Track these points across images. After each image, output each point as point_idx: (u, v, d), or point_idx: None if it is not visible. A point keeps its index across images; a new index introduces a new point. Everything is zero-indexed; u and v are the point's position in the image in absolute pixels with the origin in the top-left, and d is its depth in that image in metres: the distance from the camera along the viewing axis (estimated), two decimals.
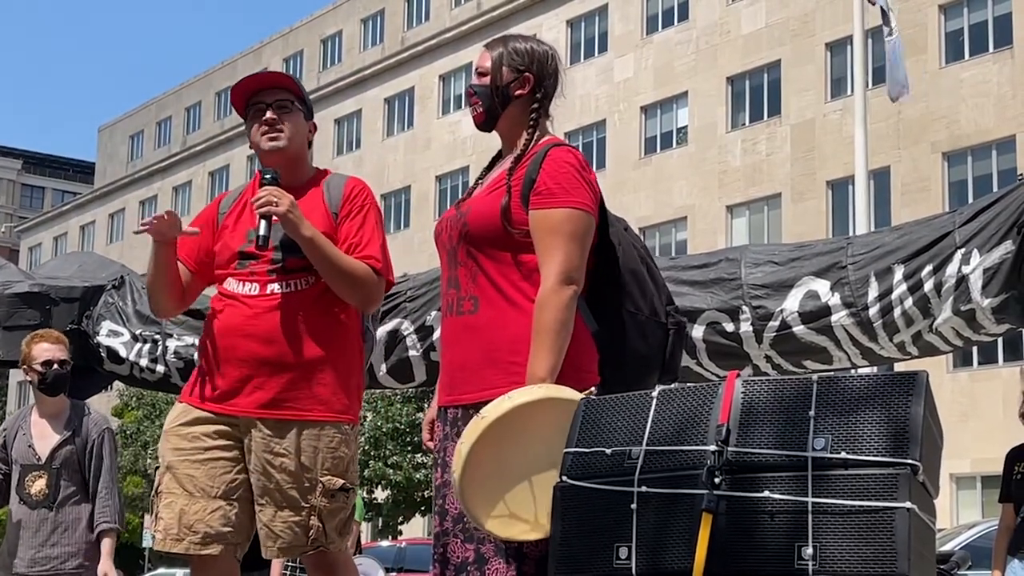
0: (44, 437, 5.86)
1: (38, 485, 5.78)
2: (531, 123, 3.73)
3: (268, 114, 4.14)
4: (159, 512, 4.05)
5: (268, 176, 4.08)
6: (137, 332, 7.05)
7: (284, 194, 3.98)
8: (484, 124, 3.79)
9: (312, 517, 3.95)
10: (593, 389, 3.43)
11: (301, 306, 4.01)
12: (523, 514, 3.24)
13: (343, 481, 3.97)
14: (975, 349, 29.95)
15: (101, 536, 5.78)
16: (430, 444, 3.79)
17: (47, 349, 5.87)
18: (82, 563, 5.79)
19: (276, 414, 3.97)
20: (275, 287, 4.03)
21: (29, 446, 5.83)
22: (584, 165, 3.65)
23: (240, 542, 4.04)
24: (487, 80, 3.74)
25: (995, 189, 29.63)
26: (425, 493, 35.77)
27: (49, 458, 5.79)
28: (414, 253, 42.50)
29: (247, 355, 4.00)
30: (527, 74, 3.73)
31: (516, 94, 3.73)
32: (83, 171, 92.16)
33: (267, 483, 3.98)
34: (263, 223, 3.98)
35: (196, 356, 4.43)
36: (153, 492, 4.14)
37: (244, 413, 4.00)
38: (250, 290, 4.05)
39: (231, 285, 4.10)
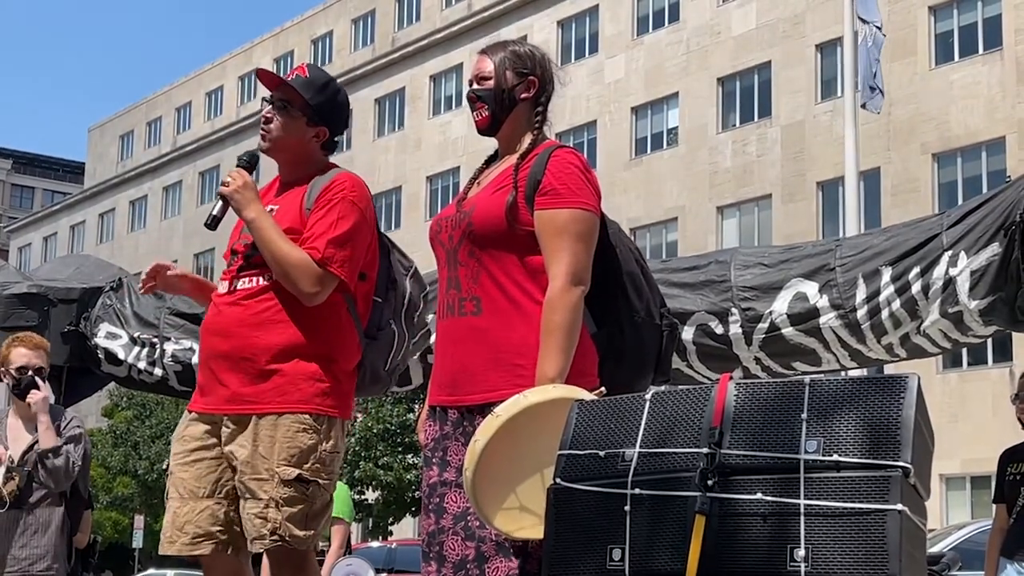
0: (18, 439, 5.86)
1: (9, 486, 5.76)
2: (536, 125, 3.77)
3: (264, 111, 4.21)
4: (165, 518, 4.13)
5: (242, 158, 4.17)
6: (135, 335, 7.06)
7: (241, 175, 4.07)
8: (488, 128, 3.78)
9: (271, 509, 3.90)
10: (603, 389, 3.46)
11: (261, 300, 4.02)
12: (533, 512, 3.25)
13: (298, 471, 3.90)
14: (964, 350, 30.03)
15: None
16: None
17: (23, 355, 5.86)
18: (51, 565, 5.77)
19: (236, 409, 3.97)
20: (239, 283, 4.07)
21: (4, 447, 5.83)
22: (587, 167, 3.69)
23: (232, 540, 4.02)
24: (491, 84, 3.75)
25: (985, 190, 29.68)
26: (415, 494, 35.72)
27: (21, 460, 5.78)
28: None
29: (210, 351, 4.06)
30: (531, 77, 3.76)
31: (521, 97, 3.76)
32: (73, 171, 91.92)
33: (234, 476, 3.99)
34: (219, 203, 4.10)
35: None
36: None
37: (215, 410, 4.03)
38: (222, 288, 4.12)
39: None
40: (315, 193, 4.08)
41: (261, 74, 4.21)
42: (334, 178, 4.11)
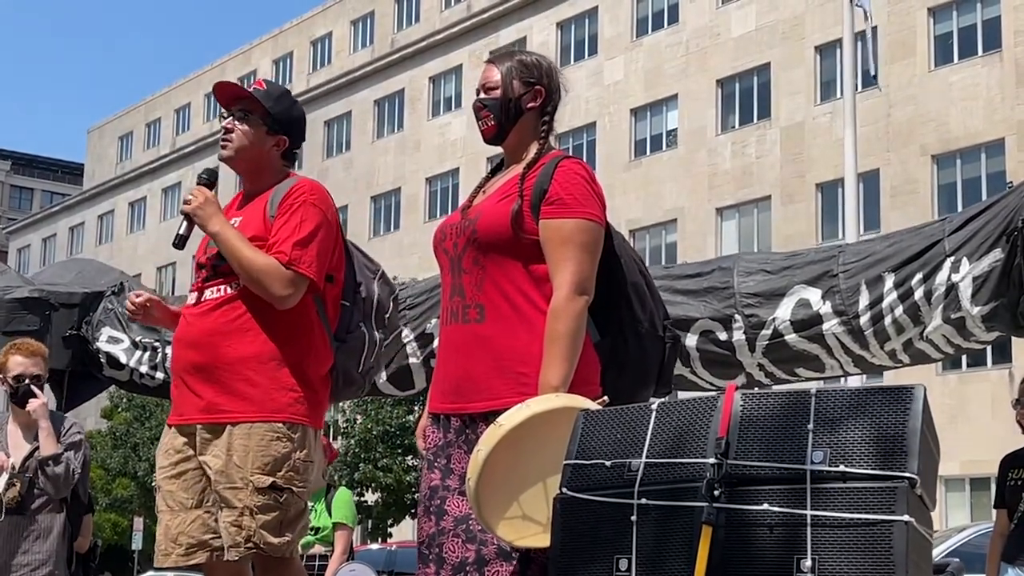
0: (18, 446, 5.86)
1: (11, 492, 5.77)
2: (542, 134, 3.78)
3: (224, 123, 4.29)
4: (157, 531, 4.18)
5: (202, 176, 4.26)
6: (137, 339, 7.08)
7: (202, 192, 4.15)
8: (495, 138, 3.80)
9: (245, 517, 3.94)
10: (606, 398, 3.46)
11: (230, 309, 4.05)
12: (537, 521, 3.26)
13: (272, 479, 3.94)
14: None
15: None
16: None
17: (20, 363, 5.86)
18: (52, 572, 5.79)
19: (211, 418, 4.01)
20: (207, 293, 4.12)
21: (5, 454, 5.83)
22: (593, 177, 3.71)
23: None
24: (498, 93, 3.76)
25: (984, 192, 29.79)
26: (415, 495, 35.73)
27: (22, 466, 5.79)
28: (404, 255, 42.48)
29: (182, 363, 4.11)
30: (538, 87, 3.78)
31: (528, 107, 3.77)
32: (72, 172, 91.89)
33: (210, 485, 4.03)
34: (184, 222, 4.19)
35: None
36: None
37: (190, 420, 4.07)
38: (191, 300, 4.17)
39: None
40: (277, 200, 4.13)
41: (218, 88, 4.28)
42: (294, 185, 4.16)
